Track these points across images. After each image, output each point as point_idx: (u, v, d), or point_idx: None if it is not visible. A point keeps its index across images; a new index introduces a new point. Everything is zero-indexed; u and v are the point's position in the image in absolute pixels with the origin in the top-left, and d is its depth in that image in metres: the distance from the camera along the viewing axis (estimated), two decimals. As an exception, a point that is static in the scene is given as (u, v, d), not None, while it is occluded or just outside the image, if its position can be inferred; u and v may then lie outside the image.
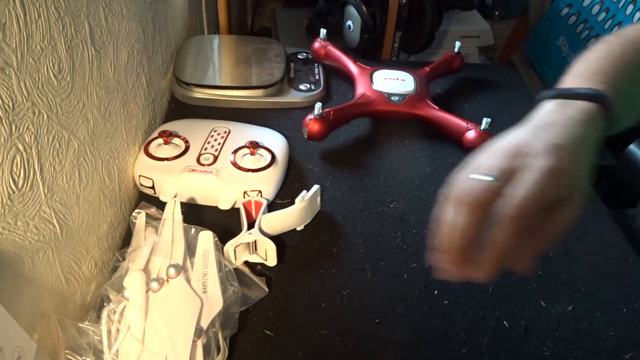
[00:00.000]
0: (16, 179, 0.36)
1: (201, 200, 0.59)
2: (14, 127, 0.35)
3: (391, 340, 0.48)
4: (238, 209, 0.59)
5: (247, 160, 0.61)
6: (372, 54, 1.04)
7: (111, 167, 0.53)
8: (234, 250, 0.51)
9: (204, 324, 0.42)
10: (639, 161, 0.90)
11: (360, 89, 0.77)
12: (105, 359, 0.40)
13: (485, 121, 0.68)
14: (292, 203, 0.61)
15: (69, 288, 0.45)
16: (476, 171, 0.37)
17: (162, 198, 0.57)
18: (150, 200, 0.57)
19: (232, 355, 0.45)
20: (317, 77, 0.83)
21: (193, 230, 0.50)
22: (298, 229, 0.58)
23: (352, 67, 0.82)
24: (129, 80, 0.58)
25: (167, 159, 0.59)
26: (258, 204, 0.57)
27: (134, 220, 0.52)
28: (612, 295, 0.54)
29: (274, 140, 0.66)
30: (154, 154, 0.60)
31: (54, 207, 0.41)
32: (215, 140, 0.63)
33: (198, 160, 0.60)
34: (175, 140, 0.62)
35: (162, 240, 0.48)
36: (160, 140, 0.61)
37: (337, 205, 0.61)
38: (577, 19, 1.51)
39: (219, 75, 0.81)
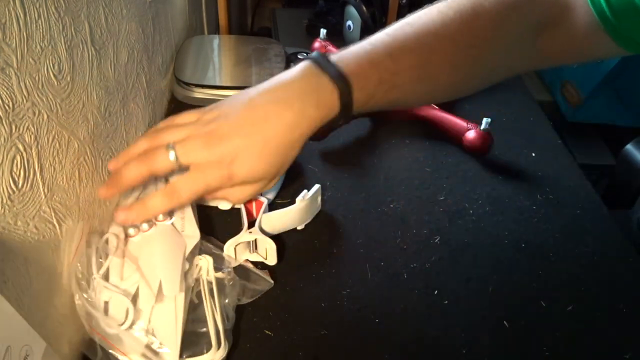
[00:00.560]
0: (16, 179, 0.36)
1: (201, 200, 0.59)
2: (14, 127, 0.35)
3: (391, 340, 0.48)
4: (238, 209, 0.59)
5: (247, 160, 0.61)
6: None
7: (111, 167, 0.53)
8: (234, 249, 0.51)
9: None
10: (636, 161, 0.90)
11: None
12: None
13: (485, 121, 0.68)
14: (293, 203, 0.61)
15: (69, 288, 0.45)
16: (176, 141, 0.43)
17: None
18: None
19: (232, 355, 0.45)
20: (317, 77, 0.83)
21: None
22: (298, 228, 0.58)
23: None
24: (129, 80, 0.58)
25: (167, 159, 0.59)
26: (259, 203, 0.57)
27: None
28: (612, 295, 0.54)
29: (274, 140, 0.65)
30: (154, 154, 0.60)
31: (54, 207, 0.41)
32: (215, 140, 0.63)
33: (198, 160, 0.60)
34: (175, 140, 0.62)
35: (147, 192, 0.52)
36: (160, 140, 0.61)
37: (337, 205, 0.61)
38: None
39: (219, 75, 0.81)
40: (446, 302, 0.52)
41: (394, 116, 0.74)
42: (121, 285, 0.45)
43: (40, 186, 0.39)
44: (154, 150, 0.43)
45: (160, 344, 0.42)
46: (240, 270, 0.50)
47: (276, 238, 0.54)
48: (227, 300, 0.47)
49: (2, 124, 0.34)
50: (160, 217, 0.50)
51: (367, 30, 0.99)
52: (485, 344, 0.48)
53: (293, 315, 0.49)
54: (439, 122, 0.73)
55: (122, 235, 0.48)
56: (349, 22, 1.02)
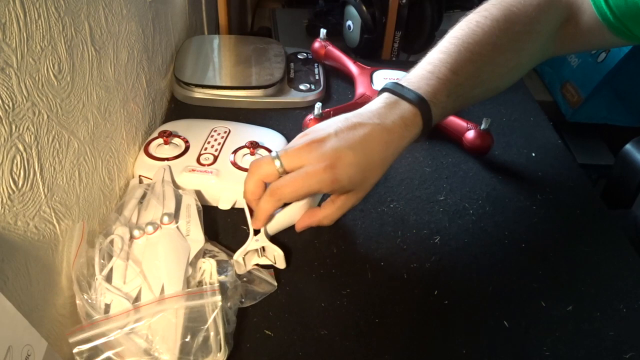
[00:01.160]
0: (16, 179, 0.36)
1: (201, 200, 0.59)
2: (14, 127, 0.35)
3: (391, 340, 0.48)
4: (238, 209, 0.59)
5: (247, 160, 0.61)
6: (372, 54, 1.04)
7: (111, 167, 0.53)
8: (244, 259, 0.51)
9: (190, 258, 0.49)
10: (635, 161, 0.90)
11: (360, 89, 0.77)
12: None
13: (485, 121, 0.68)
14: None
15: (69, 289, 0.45)
16: (280, 151, 0.47)
17: (162, 198, 0.58)
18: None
19: (232, 355, 0.45)
20: (317, 77, 0.83)
21: (179, 191, 0.56)
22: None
23: (352, 67, 0.82)
24: (129, 80, 0.58)
25: (167, 159, 0.59)
26: None
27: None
28: (612, 295, 0.54)
29: (274, 140, 0.66)
30: (154, 154, 0.60)
31: (54, 207, 0.41)
32: (215, 140, 0.63)
33: (198, 160, 0.60)
34: (175, 140, 0.62)
35: (154, 194, 0.53)
36: (160, 140, 0.61)
37: (337, 205, 0.61)
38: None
39: (219, 75, 0.81)
40: (446, 302, 0.52)
41: None
42: (123, 288, 0.45)
43: (40, 186, 0.39)
44: (259, 162, 0.47)
45: (159, 350, 0.42)
46: (245, 272, 0.50)
47: (276, 238, 0.54)
48: (228, 304, 0.47)
49: (2, 124, 0.34)
50: (166, 219, 0.50)
51: (367, 30, 0.99)
52: (485, 344, 0.48)
53: (293, 315, 0.49)
54: (438, 122, 0.73)
55: (127, 237, 0.48)
56: (349, 22, 1.02)
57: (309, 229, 0.57)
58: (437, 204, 0.63)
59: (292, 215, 0.55)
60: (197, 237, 0.51)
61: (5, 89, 0.34)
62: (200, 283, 0.48)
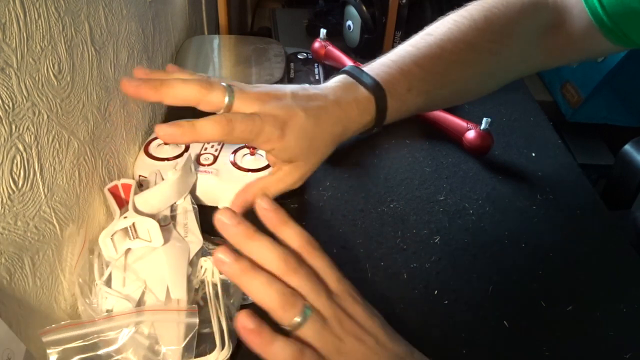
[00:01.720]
0: (16, 179, 0.36)
1: (201, 200, 0.59)
2: (14, 127, 0.35)
3: (391, 340, 0.48)
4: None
5: (247, 160, 0.61)
6: (372, 54, 1.04)
7: (111, 167, 0.53)
8: (112, 240, 0.46)
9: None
10: (634, 161, 0.90)
11: None
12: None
13: (485, 121, 0.68)
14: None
15: (71, 291, 0.45)
16: (235, 87, 0.43)
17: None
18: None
19: (232, 355, 0.45)
20: (317, 77, 0.83)
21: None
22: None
23: None
24: (129, 80, 0.58)
25: (167, 159, 0.59)
26: (126, 186, 0.53)
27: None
28: (612, 295, 0.54)
29: (274, 140, 0.65)
30: (154, 154, 0.60)
31: (54, 207, 0.41)
32: (215, 140, 0.63)
33: (198, 160, 0.60)
34: (175, 140, 0.62)
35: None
36: (160, 140, 0.61)
37: (337, 205, 0.61)
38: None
39: (219, 75, 0.81)
40: (446, 302, 0.52)
41: None
42: (123, 291, 0.44)
43: (40, 186, 0.39)
44: (211, 83, 0.41)
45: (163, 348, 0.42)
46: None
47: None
48: (231, 300, 0.47)
49: (2, 124, 0.34)
50: (163, 221, 0.50)
51: (367, 30, 0.99)
52: (485, 344, 0.48)
53: (293, 315, 0.49)
54: (439, 122, 0.73)
55: (126, 241, 0.48)
56: (349, 22, 1.02)
57: (309, 229, 0.57)
58: (437, 204, 0.63)
59: (169, 190, 0.53)
60: (194, 238, 0.51)
61: (5, 89, 0.34)
62: (202, 282, 0.48)
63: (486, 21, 0.50)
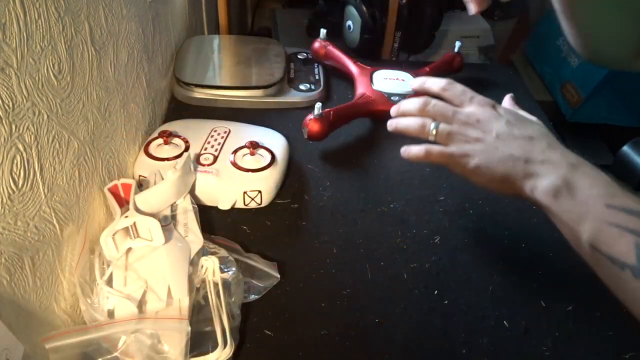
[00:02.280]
0: (16, 179, 0.36)
1: (201, 200, 0.59)
2: (14, 127, 0.35)
3: (391, 340, 0.48)
4: (238, 209, 0.59)
5: (247, 160, 0.61)
6: (372, 54, 1.04)
7: (111, 167, 0.53)
8: (113, 240, 0.47)
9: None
10: (633, 162, 0.90)
11: (360, 89, 0.77)
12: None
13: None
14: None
15: (71, 291, 0.45)
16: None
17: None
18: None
19: (234, 354, 0.45)
20: (317, 77, 0.83)
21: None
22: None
23: (352, 67, 0.82)
24: (129, 80, 0.58)
25: (167, 159, 0.59)
26: (126, 186, 0.53)
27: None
28: (612, 295, 0.54)
29: (274, 140, 0.66)
30: (154, 154, 0.60)
31: (54, 207, 0.41)
32: (215, 140, 0.63)
33: (198, 161, 0.60)
34: (175, 140, 0.62)
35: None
36: (160, 141, 0.61)
37: (337, 205, 0.61)
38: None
39: (219, 75, 0.81)
40: (446, 302, 0.52)
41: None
42: (125, 290, 0.44)
43: (40, 186, 0.39)
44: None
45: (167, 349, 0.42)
46: (245, 267, 0.50)
47: (275, 238, 0.54)
48: (233, 299, 0.47)
49: (2, 124, 0.34)
50: (164, 222, 0.50)
51: (367, 30, 0.99)
52: (485, 344, 0.48)
53: (293, 315, 0.49)
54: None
55: (127, 241, 0.48)
56: (349, 22, 1.02)
57: (309, 228, 0.57)
58: (437, 204, 0.63)
59: (168, 190, 0.53)
60: (195, 238, 0.51)
61: (5, 89, 0.34)
62: (203, 281, 0.48)
63: None
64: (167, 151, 0.61)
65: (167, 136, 0.61)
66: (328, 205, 0.61)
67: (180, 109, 0.76)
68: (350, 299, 0.51)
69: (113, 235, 0.46)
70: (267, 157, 0.61)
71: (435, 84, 0.55)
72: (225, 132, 0.64)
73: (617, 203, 0.40)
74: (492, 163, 0.46)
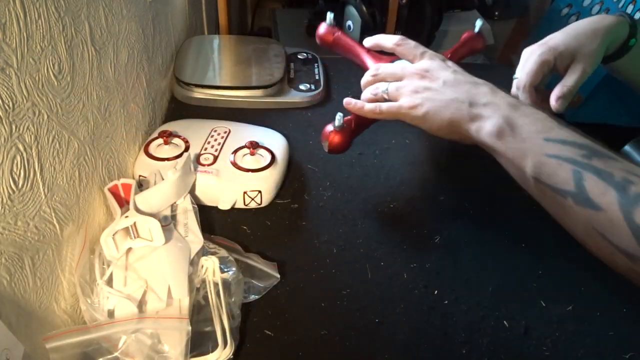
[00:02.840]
0: (16, 179, 0.36)
1: (201, 200, 0.59)
2: (14, 127, 0.35)
3: (391, 340, 0.48)
4: (238, 209, 0.59)
5: (247, 160, 0.61)
6: (372, 54, 1.04)
7: (111, 167, 0.53)
8: (114, 240, 0.47)
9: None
10: (633, 162, 0.90)
11: None
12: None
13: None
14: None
15: (71, 291, 0.45)
16: None
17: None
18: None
19: (234, 354, 0.45)
20: (317, 77, 0.83)
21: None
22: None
23: (366, 58, 0.68)
24: (129, 80, 0.58)
25: (167, 159, 0.59)
26: (126, 186, 0.53)
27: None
28: (612, 295, 0.54)
29: (274, 140, 0.66)
30: (154, 154, 0.60)
31: (54, 207, 0.41)
32: (215, 140, 0.63)
33: (198, 161, 0.60)
34: (175, 140, 0.62)
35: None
36: (160, 141, 0.61)
37: (337, 205, 0.61)
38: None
39: (219, 75, 0.81)
40: (446, 302, 0.52)
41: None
42: (125, 291, 0.44)
43: (40, 186, 0.39)
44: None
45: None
46: (245, 267, 0.50)
47: (275, 238, 0.54)
48: (233, 299, 0.47)
49: (2, 124, 0.34)
50: (164, 221, 0.50)
51: (367, 30, 0.99)
52: (485, 344, 0.48)
53: (293, 315, 0.49)
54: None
55: (127, 240, 0.48)
56: (349, 22, 1.02)
57: (310, 228, 0.57)
58: (437, 204, 0.63)
59: (169, 190, 0.53)
60: (195, 238, 0.51)
61: (5, 89, 0.34)
62: (203, 281, 0.48)
63: None
64: (167, 151, 0.61)
65: (167, 136, 0.61)
66: (328, 205, 0.61)
67: (180, 109, 0.76)
68: (350, 299, 0.51)
69: (113, 235, 0.46)
70: (267, 157, 0.61)
71: (388, 40, 0.58)
72: (225, 132, 0.64)
73: (554, 136, 0.43)
74: (439, 108, 0.48)
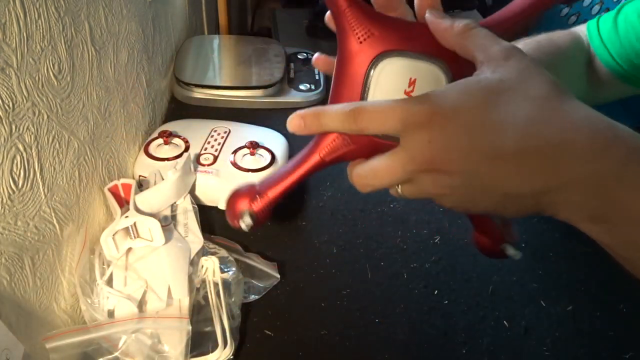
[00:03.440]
0: (16, 179, 0.36)
1: (201, 200, 0.59)
2: (14, 127, 0.35)
3: (391, 340, 0.48)
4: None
5: (247, 160, 0.61)
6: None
7: (111, 167, 0.53)
8: (114, 240, 0.46)
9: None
10: None
11: None
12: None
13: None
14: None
15: (69, 289, 0.45)
16: None
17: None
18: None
19: (234, 354, 0.45)
20: (317, 77, 0.83)
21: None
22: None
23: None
24: (129, 80, 0.58)
25: (167, 159, 0.59)
26: (126, 186, 0.53)
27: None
28: (612, 295, 0.54)
29: (274, 140, 0.65)
30: (154, 154, 0.60)
31: (54, 207, 0.41)
32: (215, 140, 0.63)
33: (198, 161, 0.60)
34: (175, 140, 0.62)
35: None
36: (160, 141, 0.61)
37: (337, 205, 0.61)
38: (577, 19, 1.51)
39: (219, 75, 0.81)
40: (446, 302, 0.52)
41: None
42: (125, 291, 0.44)
43: (40, 186, 0.39)
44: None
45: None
46: (245, 267, 0.50)
47: (275, 238, 0.54)
48: (233, 299, 0.47)
49: (2, 124, 0.34)
50: (164, 222, 0.50)
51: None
52: (485, 344, 0.48)
53: (293, 315, 0.49)
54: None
55: (127, 241, 0.48)
56: (349, 22, 1.02)
57: (310, 229, 0.57)
58: (437, 204, 0.63)
59: (168, 190, 0.53)
60: (195, 238, 0.51)
61: (5, 89, 0.34)
62: (203, 281, 0.48)
63: (549, 41, 0.54)
64: (167, 151, 0.61)
65: (167, 136, 0.61)
66: (328, 205, 0.61)
67: (180, 109, 0.76)
68: (350, 298, 0.51)
69: (113, 235, 0.46)
70: (267, 157, 0.61)
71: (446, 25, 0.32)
72: (225, 132, 0.64)
73: None
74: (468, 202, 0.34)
